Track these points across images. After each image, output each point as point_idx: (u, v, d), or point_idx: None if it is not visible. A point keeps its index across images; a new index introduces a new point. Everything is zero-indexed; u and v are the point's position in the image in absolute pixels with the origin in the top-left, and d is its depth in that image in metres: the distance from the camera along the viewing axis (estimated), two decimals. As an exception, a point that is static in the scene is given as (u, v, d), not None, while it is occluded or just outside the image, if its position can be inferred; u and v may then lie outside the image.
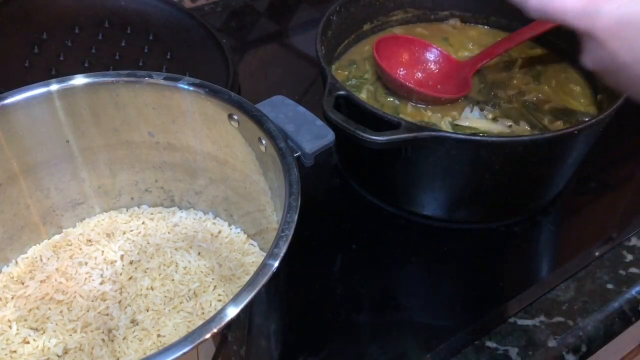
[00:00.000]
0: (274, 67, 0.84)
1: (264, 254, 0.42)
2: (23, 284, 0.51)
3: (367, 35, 0.73)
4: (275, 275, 0.36)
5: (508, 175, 0.57)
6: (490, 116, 0.63)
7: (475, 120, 0.62)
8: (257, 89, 0.77)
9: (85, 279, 0.51)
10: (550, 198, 0.64)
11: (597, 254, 0.60)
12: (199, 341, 0.32)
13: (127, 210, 0.57)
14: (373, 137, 0.51)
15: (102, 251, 0.53)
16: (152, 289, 0.50)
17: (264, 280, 0.35)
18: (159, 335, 0.47)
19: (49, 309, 0.49)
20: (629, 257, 0.60)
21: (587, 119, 0.58)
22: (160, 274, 0.51)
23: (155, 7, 0.76)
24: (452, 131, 0.59)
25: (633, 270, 0.59)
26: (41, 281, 0.51)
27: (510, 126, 0.61)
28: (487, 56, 0.67)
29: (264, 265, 0.36)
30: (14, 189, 0.50)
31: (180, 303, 0.49)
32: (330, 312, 0.54)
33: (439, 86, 0.67)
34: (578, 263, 0.59)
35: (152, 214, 0.57)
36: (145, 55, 0.72)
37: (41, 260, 0.53)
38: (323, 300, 0.56)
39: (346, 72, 0.68)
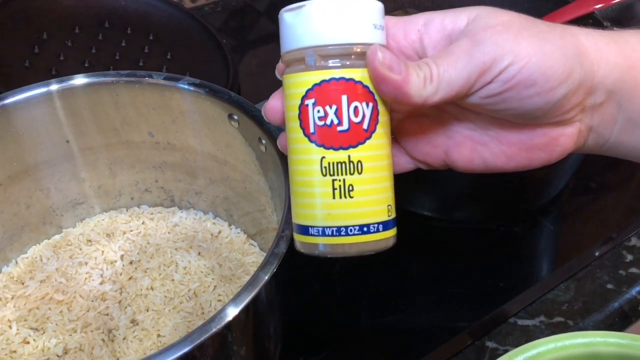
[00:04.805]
0: (274, 67, 0.83)
1: (264, 254, 0.42)
2: (23, 284, 0.51)
3: (367, 35, 0.72)
4: (276, 275, 0.36)
5: (508, 176, 0.56)
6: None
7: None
8: (257, 89, 0.77)
9: (85, 279, 0.51)
10: (550, 198, 0.64)
11: (597, 254, 0.60)
12: (199, 341, 0.32)
13: (127, 210, 0.57)
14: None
15: (102, 251, 0.53)
16: (152, 289, 0.50)
17: (264, 280, 0.35)
18: (159, 335, 0.47)
19: (49, 309, 0.49)
20: (629, 257, 0.60)
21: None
22: (160, 274, 0.51)
23: (156, 7, 0.76)
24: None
25: (633, 270, 0.59)
26: (41, 281, 0.51)
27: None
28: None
29: (264, 265, 0.36)
30: (14, 188, 0.50)
31: (180, 303, 0.49)
32: (330, 312, 0.54)
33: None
34: (578, 263, 0.59)
35: (152, 214, 0.57)
36: (146, 55, 0.72)
37: (41, 260, 0.53)
38: (323, 300, 0.55)
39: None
